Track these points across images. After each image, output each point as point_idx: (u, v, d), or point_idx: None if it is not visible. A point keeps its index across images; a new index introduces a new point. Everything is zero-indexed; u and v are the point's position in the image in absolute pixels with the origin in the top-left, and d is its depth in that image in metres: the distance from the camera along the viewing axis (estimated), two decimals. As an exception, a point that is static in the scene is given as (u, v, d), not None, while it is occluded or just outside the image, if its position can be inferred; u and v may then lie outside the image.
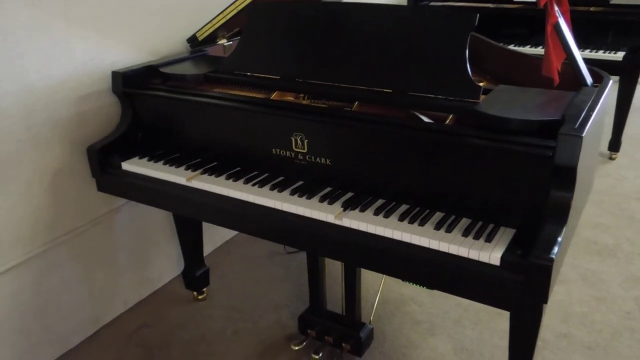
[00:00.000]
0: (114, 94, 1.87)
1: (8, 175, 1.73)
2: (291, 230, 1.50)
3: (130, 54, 2.03)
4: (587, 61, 1.56)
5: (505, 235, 1.31)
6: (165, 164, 1.77)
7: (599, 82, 1.55)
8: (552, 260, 1.13)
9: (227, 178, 1.65)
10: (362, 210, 1.44)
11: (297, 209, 1.48)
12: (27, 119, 1.74)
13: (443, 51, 1.48)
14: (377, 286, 2.34)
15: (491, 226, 1.34)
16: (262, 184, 1.60)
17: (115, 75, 1.84)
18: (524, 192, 1.30)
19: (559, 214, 1.20)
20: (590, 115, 1.27)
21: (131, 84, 1.84)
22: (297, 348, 1.98)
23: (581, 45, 3.28)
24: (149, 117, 1.88)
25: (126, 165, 1.80)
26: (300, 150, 1.58)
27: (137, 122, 1.90)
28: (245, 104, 1.64)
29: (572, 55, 1.48)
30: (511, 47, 3.60)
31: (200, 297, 2.32)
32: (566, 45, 1.48)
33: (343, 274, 1.86)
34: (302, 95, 1.74)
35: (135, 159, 1.82)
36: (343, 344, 1.92)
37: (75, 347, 2.06)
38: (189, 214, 1.78)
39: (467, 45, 1.47)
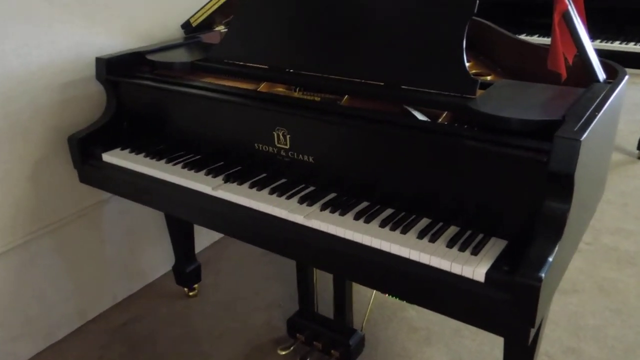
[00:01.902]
0: (98, 81, 1.79)
1: (-15, 164, 1.67)
2: (262, 230, 1.40)
3: (120, 40, 1.95)
4: (602, 53, 1.41)
5: (494, 248, 1.18)
6: (146, 156, 1.69)
7: (614, 77, 1.39)
8: (540, 279, 0.99)
9: (207, 174, 1.55)
10: (342, 214, 1.32)
11: (273, 209, 1.37)
12: (5, 105, 1.68)
13: (438, 41, 1.35)
14: (371, 290, 2.23)
15: (480, 236, 1.21)
16: (241, 181, 1.50)
17: (99, 61, 1.75)
18: (518, 200, 1.17)
19: (553, 228, 1.07)
20: (595, 116, 1.13)
21: (115, 71, 1.76)
22: (283, 353, 1.89)
23: (594, 35, 3.04)
24: (133, 106, 1.80)
25: (107, 157, 1.72)
26: (283, 146, 1.48)
27: (122, 111, 1.82)
28: (226, 94, 1.54)
29: (582, 48, 1.33)
30: (534, 37, 3.43)
31: (191, 293, 2.25)
32: (576, 36, 1.33)
33: (333, 276, 1.76)
34: (295, 87, 1.63)
35: (117, 151, 1.74)
36: (332, 351, 1.83)
37: (59, 341, 2.01)
38: (167, 211, 1.69)
39: (465, 35, 1.33)
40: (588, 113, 1.13)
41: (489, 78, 1.65)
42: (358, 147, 1.36)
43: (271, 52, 1.60)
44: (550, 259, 1.02)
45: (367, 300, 2.16)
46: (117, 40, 1.94)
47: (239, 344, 1.99)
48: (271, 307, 2.18)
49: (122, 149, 1.74)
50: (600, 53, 1.42)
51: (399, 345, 1.97)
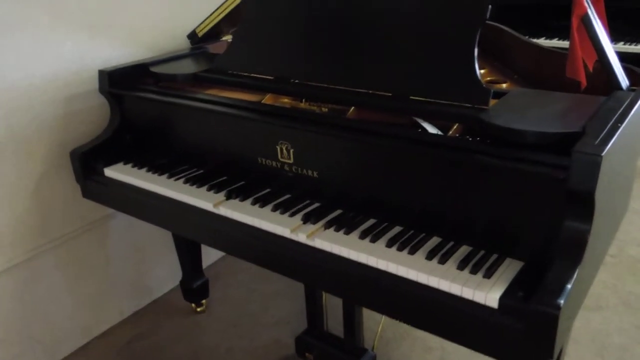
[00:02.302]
0: (101, 94, 1.75)
1: (-13, 179, 1.64)
2: (263, 249, 1.34)
3: (125, 51, 1.92)
4: (625, 56, 1.31)
5: (509, 270, 1.09)
6: (148, 171, 1.64)
7: (638, 83, 1.30)
8: (558, 307, 0.91)
9: (209, 189, 1.50)
10: (347, 233, 1.25)
11: (275, 227, 1.31)
12: (7, 118, 1.64)
13: (448, 49, 1.28)
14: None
15: (494, 257, 1.13)
16: (244, 197, 1.44)
17: (102, 74, 1.72)
18: (534, 219, 1.08)
19: (572, 251, 0.98)
20: (618, 127, 1.04)
21: (118, 84, 1.72)
22: (291, 373, 1.82)
23: (617, 37, 2.90)
24: (137, 120, 1.76)
25: (109, 172, 1.68)
26: (287, 161, 1.41)
27: (126, 124, 1.78)
28: (226, 107, 1.49)
29: (603, 53, 1.24)
30: (554, 41, 3.31)
31: (199, 309, 2.19)
32: (596, 40, 1.24)
33: (341, 295, 1.68)
34: (302, 99, 1.56)
35: (119, 165, 1.70)
36: (342, 371, 1.75)
37: (63, 359, 1.97)
38: (169, 228, 1.64)
39: (476, 42, 1.25)
40: (610, 125, 1.05)
41: (504, 86, 1.57)
42: (363, 161, 1.29)
43: (275, 62, 1.54)
44: (569, 285, 0.94)
45: (379, 317, 2.07)
46: (122, 51, 1.91)
47: (246, 363, 1.93)
48: (280, 324, 2.11)
49: (124, 164, 1.70)
50: (623, 57, 1.34)
51: (413, 366, 1.89)
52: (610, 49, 1.26)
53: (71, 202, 1.87)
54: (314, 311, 1.82)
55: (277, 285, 2.34)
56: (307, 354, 1.84)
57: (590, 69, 1.35)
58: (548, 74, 1.55)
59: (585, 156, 0.94)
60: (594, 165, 0.94)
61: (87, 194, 1.76)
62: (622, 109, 1.13)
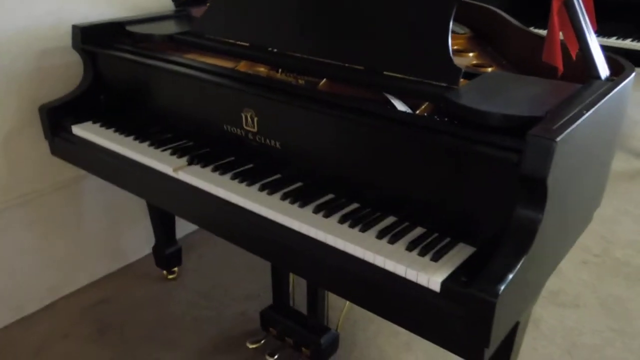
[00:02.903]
0: (74, 50, 1.71)
1: (-48, 129, 1.62)
2: (218, 217, 1.31)
3: (106, 9, 1.87)
4: (618, 52, 1.25)
5: (459, 255, 1.05)
6: (115, 131, 1.61)
7: (619, 74, 1.24)
8: (496, 295, 0.87)
9: (172, 153, 1.47)
10: (302, 206, 1.22)
11: (230, 195, 1.28)
12: (-24, 69, 1.62)
13: (422, 24, 1.22)
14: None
15: (446, 241, 1.09)
16: (205, 163, 1.40)
17: (75, 29, 1.67)
18: (489, 204, 1.04)
19: (520, 239, 0.94)
20: (582, 114, 0.99)
21: (92, 41, 1.68)
22: (252, 346, 1.80)
23: (610, 32, 2.78)
24: (110, 79, 1.72)
25: (76, 129, 1.65)
26: (251, 129, 1.37)
27: (99, 84, 1.74)
28: (193, 69, 1.44)
29: (583, 39, 1.18)
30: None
31: (170, 276, 2.18)
32: (577, 26, 1.18)
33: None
34: (277, 69, 1.51)
35: (88, 124, 1.67)
36: (303, 349, 1.73)
37: (28, 315, 1.96)
38: (130, 191, 1.60)
39: (451, 19, 1.20)
40: (575, 112, 1.00)
41: (489, 70, 1.51)
42: (325, 134, 1.25)
43: (251, 29, 1.49)
44: (511, 275, 0.90)
45: (349, 298, 2.05)
46: (103, 9, 1.87)
47: (209, 334, 1.91)
48: (250, 298, 2.09)
49: (93, 123, 1.67)
50: (616, 52, 1.27)
51: (377, 349, 1.86)
52: (592, 36, 1.20)
53: (41, 160, 1.84)
54: (279, 286, 1.79)
55: (252, 259, 2.30)
56: (270, 329, 1.82)
57: (574, 57, 1.29)
58: (538, 61, 1.49)
59: (539, 140, 0.89)
60: (547, 150, 0.89)
61: (55, 151, 1.73)
62: (593, 97, 1.07)
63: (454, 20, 1.85)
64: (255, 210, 1.24)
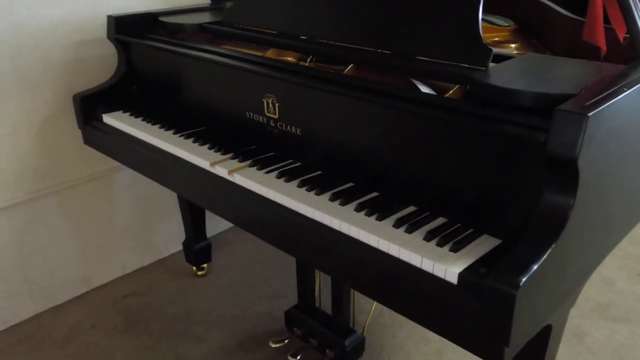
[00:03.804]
0: (109, 40, 1.73)
1: (-10, 115, 1.66)
2: (225, 198, 1.27)
3: (144, 2, 1.89)
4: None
5: (481, 247, 0.97)
6: (143, 120, 1.60)
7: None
8: (517, 286, 0.78)
9: (195, 141, 1.44)
10: (319, 193, 1.16)
11: (247, 182, 1.23)
12: (14, 58, 1.65)
13: (450, 5, 1.15)
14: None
15: (469, 232, 1.00)
16: (225, 151, 1.37)
17: (110, 19, 1.69)
18: (517, 191, 0.95)
19: (549, 228, 0.84)
20: (623, 91, 0.89)
21: (125, 31, 1.69)
22: (275, 346, 1.74)
23: None
24: (142, 69, 1.73)
25: (107, 118, 1.66)
26: (272, 116, 1.33)
27: (132, 74, 1.75)
28: (214, 55, 1.42)
29: (630, 15, 1.08)
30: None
31: (199, 272, 2.16)
32: (624, 1, 1.08)
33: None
34: (308, 57, 1.47)
35: (119, 113, 1.67)
36: (327, 350, 1.66)
37: (60, 304, 1.98)
38: (153, 178, 1.59)
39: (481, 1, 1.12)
40: (613, 89, 0.90)
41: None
42: (348, 119, 1.19)
43: (279, 16, 1.46)
44: (536, 266, 0.80)
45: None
46: (141, 2, 1.89)
47: (233, 331, 1.87)
48: (277, 297, 2.04)
49: (123, 112, 1.67)
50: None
51: (405, 355, 1.77)
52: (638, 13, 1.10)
53: (76, 149, 1.87)
54: (305, 285, 1.74)
55: (283, 257, 2.26)
56: (295, 329, 1.76)
57: (621, 39, 1.18)
58: (585, 50, 1.38)
59: (567, 115, 0.80)
60: (577, 126, 0.79)
61: (87, 140, 1.74)
62: (636, 76, 0.97)
63: (496, 13, 1.77)
64: (270, 197, 1.19)
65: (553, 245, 0.83)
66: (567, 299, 1.06)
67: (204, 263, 2.15)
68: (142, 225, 2.16)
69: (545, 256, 0.82)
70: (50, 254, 1.92)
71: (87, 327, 1.89)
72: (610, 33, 1.18)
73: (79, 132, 1.79)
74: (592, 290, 2.08)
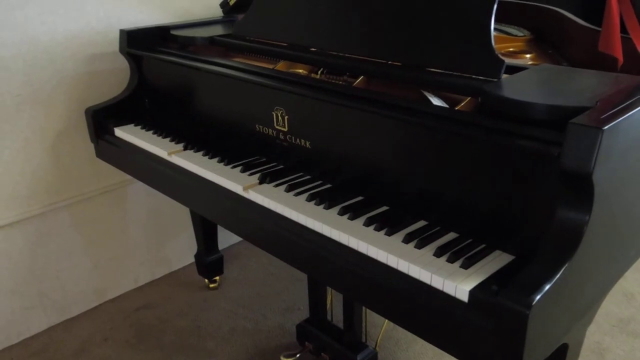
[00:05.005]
0: (121, 54, 1.74)
1: (3, 130, 1.67)
2: (239, 217, 1.26)
3: (157, 16, 1.90)
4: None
5: (494, 263, 0.94)
6: (154, 134, 1.60)
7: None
8: (529, 306, 0.76)
9: (204, 155, 1.44)
10: (327, 207, 1.14)
11: (256, 196, 1.22)
12: (27, 73, 1.67)
13: (462, 17, 1.13)
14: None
15: (481, 247, 0.98)
16: (234, 164, 1.36)
17: (122, 33, 1.70)
18: (530, 206, 0.92)
19: (563, 244, 0.82)
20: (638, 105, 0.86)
21: (137, 45, 1.70)
22: (286, 360, 1.72)
23: None
24: (154, 83, 1.73)
25: (119, 132, 1.66)
26: (281, 129, 1.32)
27: (144, 87, 1.76)
28: (224, 68, 1.42)
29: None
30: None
31: (211, 285, 2.15)
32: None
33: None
34: (318, 69, 1.46)
35: (130, 126, 1.68)
36: (338, 365, 1.63)
37: (73, 317, 1.98)
38: (164, 192, 1.59)
39: (494, 10, 1.10)
40: (631, 100, 0.87)
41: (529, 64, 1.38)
42: (359, 132, 1.17)
43: (290, 29, 1.45)
44: (549, 285, 0.78)
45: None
46: (153, 15, 1.90)
47: (245, 345, 1.85)
48: (289, 310, 2.02)
49: (135, 125, 1.68)
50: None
51: (419, 371, 1.73)
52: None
53: (88, 163, 1.88)
54: (317, 299, 1.71)
55: (295, 270, 2.24)
56: (307, 343, 1.74)
57: (639, 50, 1.15)
58: (603, 62, 1.35)
59: (581, 128, 0.78)
60: (591, 139, 0.77)
61: (99, 153, 1.75)
62: (654, 86, 0.94)
63: (512, 23, 1.75)
64: (279, 211, 1.17)
65: (568, 263, 0.80)
66: (584, 317, 1.02)
67: (216, 276, 2.14)
68: (154, 238, 2.16)
69: (559, 274, 0.79)
70: (63, 267, 1.92)
71: (99, 340, 1.88)
72: (628, 43, 1.15)
73: (91, 146, 1.80)
74: (612, 305, 2.03)
